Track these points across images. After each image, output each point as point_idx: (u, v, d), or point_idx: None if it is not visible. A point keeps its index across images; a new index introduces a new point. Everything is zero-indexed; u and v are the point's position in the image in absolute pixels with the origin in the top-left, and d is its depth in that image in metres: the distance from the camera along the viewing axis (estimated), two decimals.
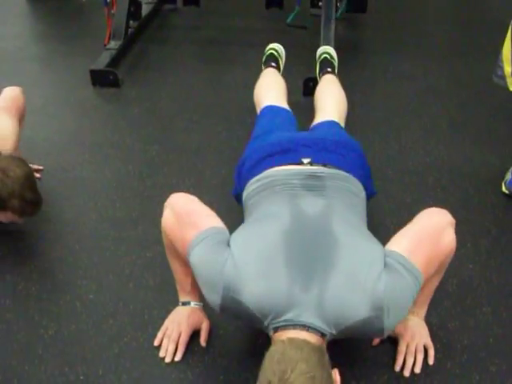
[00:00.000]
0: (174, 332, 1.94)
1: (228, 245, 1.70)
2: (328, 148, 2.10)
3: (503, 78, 2.43)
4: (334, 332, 1.59)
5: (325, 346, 1.60)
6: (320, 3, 3.86)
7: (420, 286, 1.65)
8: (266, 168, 2.02)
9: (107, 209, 2.51)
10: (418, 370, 1.87)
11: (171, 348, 1.92)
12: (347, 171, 2.01)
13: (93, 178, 2.69)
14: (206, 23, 4.38)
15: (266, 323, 1.62)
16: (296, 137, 2.20)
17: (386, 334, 1.64)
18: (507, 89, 2.43)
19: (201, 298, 1.97)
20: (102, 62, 3.55)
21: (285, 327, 1.59)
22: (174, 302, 2.02)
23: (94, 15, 4.44)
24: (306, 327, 1.58)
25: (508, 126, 3.09)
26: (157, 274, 2.18)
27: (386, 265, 1.63)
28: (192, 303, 1.99)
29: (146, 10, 4.31)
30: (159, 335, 1.96)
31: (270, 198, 1.90)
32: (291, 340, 1.52)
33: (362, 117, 3.09)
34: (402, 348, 1.91)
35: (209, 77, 3.60)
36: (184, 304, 1.99)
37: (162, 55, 3.89)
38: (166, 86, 3.50)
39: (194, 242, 1.70)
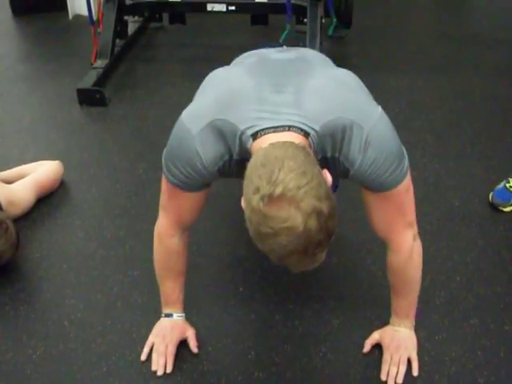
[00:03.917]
0: (160, 346, 1.95)
1: None
2: None
3: None
4: (316, 128, 1.48)
5: (311, 150, 1.47)
6: (305, 20, 3.89)
7: (407, 162, 1.63)
8: None
9: (94, 228, 2.51)
10: (399, 380, 1.88)
11: (162, 361, 1.92)
12: None
13: (80, 197, 2.69)
14: (193, 41, 4.41)
15: (242, 128, 1.50)
16: None
17: (355, 172, 1.55)
18: None
19: (183, 310, 1.99)
20: (88, 80, 3.55)
21: (264, 132, 1.48)
22: None
23: (80, 34, 4.45)
24: (286, 127, 1.47)
25: (491, 139, 3.12)
26: (144, 292, 2.18)
27: None
28: (174, 315, 1.99)
29: (132, 28, 4.32)
30: (145, 350, 1.97)
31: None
32: (273, 144, 1.40)
33: None
34: (386, 358, 1.93)
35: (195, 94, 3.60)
36: (167, 316, 2.00)
37: (148, 73, 3.91)
38: (153, 104, 3.51)
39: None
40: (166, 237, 1.86)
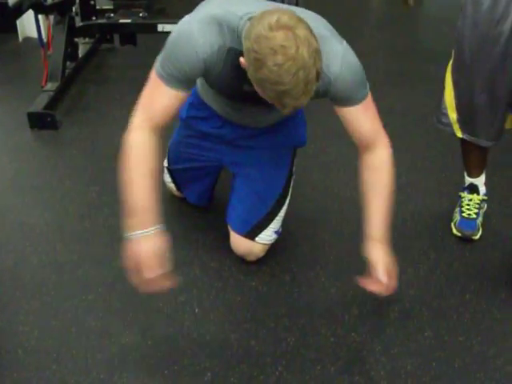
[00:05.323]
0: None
1: None
2: None
3: (449, 124, 2.45)
4: None
5: None
6: None
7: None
8: None
9: (47, 253, 2.48)
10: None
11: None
12: None
13: (32, 222, 2.66)
14: (144, 61, 4.30)
15: (240, 14, 1.77)
16: None
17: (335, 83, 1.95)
18: (454, 135, 2.47)
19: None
20: (39, 104, 3.51)
21: None
22: (118, 345, 2.02)
23: (30, 57, 4.41)
24: None
25: (442, 152, 3.18)
26: (99, 316, 2.15)
27: None
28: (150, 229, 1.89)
29: (83, 50, 4.30)
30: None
31: None
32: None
33: None
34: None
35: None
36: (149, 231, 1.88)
37: (100, 95, 3.89)
38: (104, 126, 3.49)
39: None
40: (137, 130, 1.97)
